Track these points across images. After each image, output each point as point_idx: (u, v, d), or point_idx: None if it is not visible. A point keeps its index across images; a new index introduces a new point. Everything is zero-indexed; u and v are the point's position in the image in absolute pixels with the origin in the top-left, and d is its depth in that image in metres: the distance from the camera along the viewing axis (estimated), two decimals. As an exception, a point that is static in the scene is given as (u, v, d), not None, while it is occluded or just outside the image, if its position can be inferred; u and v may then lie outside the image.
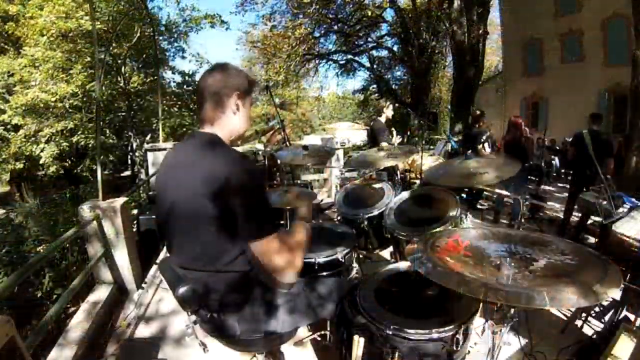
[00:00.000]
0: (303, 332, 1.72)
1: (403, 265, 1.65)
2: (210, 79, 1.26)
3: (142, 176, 10.80)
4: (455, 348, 1.22)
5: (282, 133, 3.75)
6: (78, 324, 2.47)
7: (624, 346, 1.40)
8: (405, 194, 2.52)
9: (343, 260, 1.92)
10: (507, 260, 1.18)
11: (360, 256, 2.60)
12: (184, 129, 12.49)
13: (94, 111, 10.13)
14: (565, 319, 2.46)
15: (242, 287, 1.26)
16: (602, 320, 2.36)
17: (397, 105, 18.19)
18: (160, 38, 13.10)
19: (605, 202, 2.33)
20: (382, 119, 4.24)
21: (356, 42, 21.04)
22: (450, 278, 1.08)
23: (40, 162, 10.24)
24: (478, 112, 6.12)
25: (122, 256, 2.99)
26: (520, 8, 15.91)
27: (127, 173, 13.13)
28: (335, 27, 20.05)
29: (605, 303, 2.39)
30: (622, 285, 1.94)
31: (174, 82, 14.16)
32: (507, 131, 5.22)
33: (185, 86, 13.93)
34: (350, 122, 33.70)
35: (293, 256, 1.22)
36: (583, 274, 1.06)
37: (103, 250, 2.91)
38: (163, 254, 3.11)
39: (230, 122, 1.29)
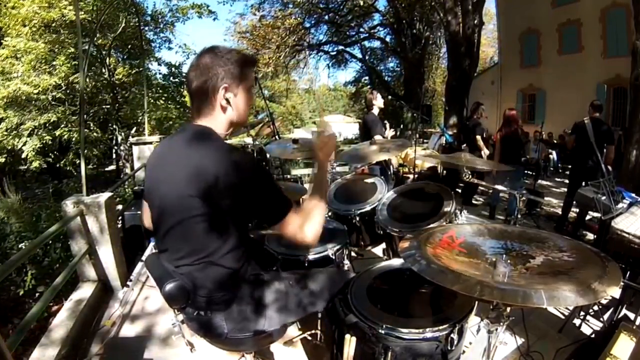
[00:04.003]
0: (293, 331, 1.68)
1: (396, 262, 1.62)
2: (193, 73, 1.18)
3: (127, 170, 10.65)
4: (449, 348, 1.20)
5: (271, 126, 3.69)
6: (61, 323, 2.39)
7: (623, 346, 1.38)
8: (398, 189, 2.49)
9: (334, 257, 1.88)
10: (503, 257, 1.15)
11: (352, 253, 2.56)
12: (170, 122, 12.28)
13: (77, 104, 9.91)
14: (563, 317, 2.45)
15: (230, 285, 1.23)
16: (601, 319, 2.37)
17: (389, 97, 18.20)
18: (146, 28, 12.77)
19: (604, 198, 2.31)
20: (375, 111, 4.17)
21: (348, 33, 20.96)
22: (444, 276, 1.05)
23: (23, 156, 9.99)
24: (475, 104, 6.11)
25: (106, 253, 2.92)
26: (517, -3, 15.70)
27: (112, 167, 12.92)
28: (326, 17, 19.91)
29: (604, 301, 2.40)
30: (622, 283, 1.94)
31: (160, 73, 13.89)
32: (503, 125, 5.20)
33: (171, 78, 13.65)
34: (342, 115, 33.65)
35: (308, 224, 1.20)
36: (581, 271, 1.04)
37: (87, 247, 2.83)
38: (149, 250, 3.05)
39: (223, 117, 1.22)
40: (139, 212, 3.52)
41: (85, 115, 8.37)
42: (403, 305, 1.36)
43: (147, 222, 1.44)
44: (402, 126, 17.52)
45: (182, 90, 13.75)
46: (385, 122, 4.52)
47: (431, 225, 1.88)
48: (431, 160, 5.83)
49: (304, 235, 1.19)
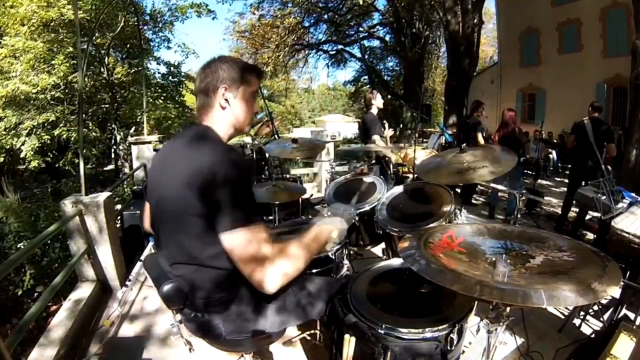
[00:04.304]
0: (292, 331, 1.67)
1: (395, 262, 1.61)
2: (199, 75, 1.26)
3: (126, 170, 10.62)
4: (449, 348, 1.19)
5: (270, 126, 3.69)
6: (60, 323, 2.39)
7: (623, 346, 1.38)
8: (397, 189, 2.48)
9: (334, 257, 1.87)
10: (503, 257, 1.14)
11: (351, 253, 2.56)
12: (169, 122, 12.27)
13: (76, 103, 9.88)
14: (563, 317, 2.45)
15: (228, 285, 1.22)
16: (601, 319, 2.37)
17: (389, 97, 18.16)
18: (145, 27, 12.76)
19: (604, 197, 2.30)
20: (374, 110, 4.16)
21: (347, 32, 20.90)
22: (444, 276, 1.04)
23: (21, 155, 9.97)
24: (475, 102, 6.09)
25: (105, 253, 2.92)
26: (517, -4, 15.64)
27: (111, 167, 12.89)
28: (326, 16, 19.86)
29: (604, 301, 2.40)
30: (622, 283, 1.94)
31: (159, 73, 13.83)
32: (500, 126, 5.20)
33: (170, 77, 13.61)
34: (341, 115, 33.58)
35: (276, 257, 1.11)
36: (581, 271, 1.02)
37: (86, 246, 2.83)
38: (147, 250, 3.04)
39: (223, 117, 1.26)
40: (137, 212, 3.51)
41: (84, 115, 8.36)
42: (403, 305, 1.35)
43: (147, 224, 1.45)
44: (401, 126, 17.49)
45: (181, 89, 13.73)
46: (385, 121, 4.50)
47: (431, 225, 1.88)
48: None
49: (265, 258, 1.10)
